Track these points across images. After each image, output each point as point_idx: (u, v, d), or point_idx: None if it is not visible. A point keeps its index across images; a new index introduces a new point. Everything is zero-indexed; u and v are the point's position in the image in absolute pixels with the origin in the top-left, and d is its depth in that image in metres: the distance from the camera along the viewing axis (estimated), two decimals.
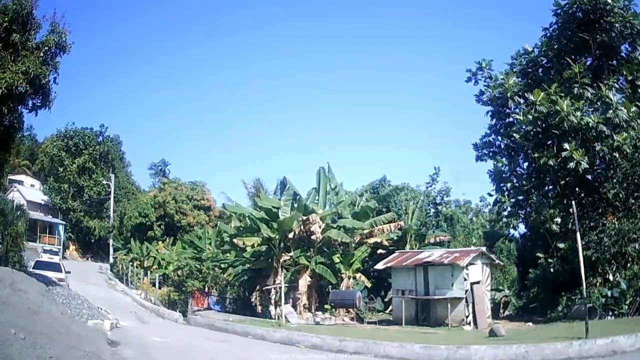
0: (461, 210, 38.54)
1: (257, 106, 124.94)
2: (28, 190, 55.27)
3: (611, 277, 17.05)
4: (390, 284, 23.64)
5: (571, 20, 20.14)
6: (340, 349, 12.40)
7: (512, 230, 25.84)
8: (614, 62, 20.17)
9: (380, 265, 22.74)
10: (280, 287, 21.82)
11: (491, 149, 22.15)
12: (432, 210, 35.65)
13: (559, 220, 18.69)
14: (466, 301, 19.17)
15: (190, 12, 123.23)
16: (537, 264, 21.49)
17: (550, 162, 18.17)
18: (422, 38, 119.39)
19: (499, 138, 22.02)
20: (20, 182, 55.23)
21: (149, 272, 34.85)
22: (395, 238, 28.54)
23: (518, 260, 28.71)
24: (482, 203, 40.27)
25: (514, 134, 19.78)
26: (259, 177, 40.00)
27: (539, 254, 20.84)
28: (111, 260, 47.04)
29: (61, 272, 22.02)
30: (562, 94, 18.24)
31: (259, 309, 26.53)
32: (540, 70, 21.76)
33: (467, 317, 19.12)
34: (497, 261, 23.34)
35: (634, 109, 17.96)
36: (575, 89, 18.66)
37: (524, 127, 19.30)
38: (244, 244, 24.60)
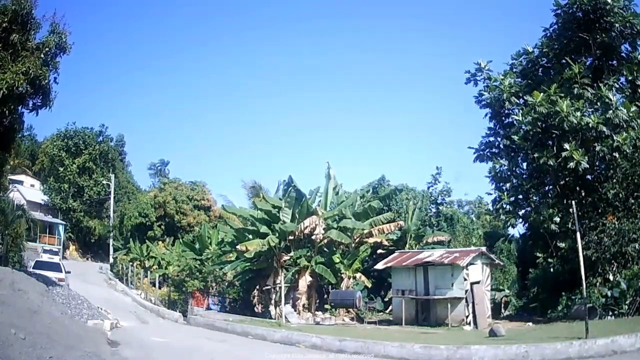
0: (463, 211, 38.52)
1: (257, 106, 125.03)
2: (28, 190, 55.22)
3: (611, 277, 17.03)
4: (390, 284, 23.64)
5: (571, 20, 20.10)
6: (340, 349, 12.39)
7: (511, 229, 25.84)
8: (614, 62, 20.14)
9: (380, 265, 22.74)
10: (280, 287, 21.83)
11: (490, 150, 22.13)
12: (433, 210, 35.61)
13: (557, 219, 18.69)
14: (466, 301, 19.17)
15: (190, 12, 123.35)
16: (537, 264, 21.48)
17: (550, 162, 18.15)
18: (422, 38, 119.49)
19: (498, 139, 22.01)
20: (20, 182, 55.16)
21: (149, 272, 34.83)
22: (395, 238, 28.54)
23: (518, 260, 28.67)
24: (480, 206, 40.30)
25: (513, 136, 19.77)
26: (261, 179, 39.93)
27: (538, 254, 20.83)
28: (111, 260, 47.05)
29: (61, 272, 21.98)
30: (562, 95, 18.22)
31: (259, 309, 26.52)
32: (540, 70, 21.72)
33: (467, 317, 19.11)
34: (497, 261, 23.33)
35: (633, 109, 17.92)
36: (575, 89, 18.63)
37: (523, 127, 19.29)
38: (246, 249, 24.58)
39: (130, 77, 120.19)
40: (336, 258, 25.44)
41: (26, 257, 24.60)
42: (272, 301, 24.85)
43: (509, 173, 20.75)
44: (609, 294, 15.93)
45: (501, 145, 21.70)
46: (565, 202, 18.24)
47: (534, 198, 20.58)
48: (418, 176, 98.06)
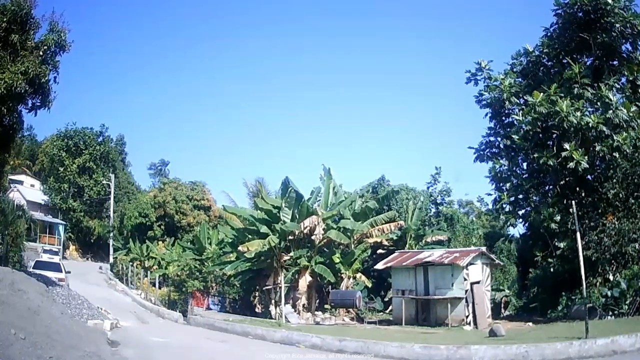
0: (463, 210, 38.51)
1: (257, 106, 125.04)
2: (28, 190, 55.26)
3: (611, 277, 17.01)
4: (390, 284, 23.64)
5: (572, 20, 20.08)
6: (340, 349, 12.40)
7: (511, 229, 25.85)
8: (615, 62, 20.11)
9: (380, 265, 22.73)
10: (280, 287, 21.82)
11: (490, 150, 22.12)
12: (433, 210, 35.62)
13: (557, 219, 18.68)
14: (466, 301, 19.17)
15: (190, 12, 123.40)
16: (537, 264, 21.47)
17: (550, 162, 18.13)
18: (422, 38, 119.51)
19: (498, 139, 22.00)
20: (20, 182, 55.22)
21: (149, 272, 34.83)
22: (395, 238, 28.53)
23: (518, 260, 28.72)
24: (480, 204, 40.23)
25: (513, 136, 19.76)
26: (262, 177, 39.82)
27: (538, 254, 20.82)
28: (111, 260, 47.08)
29: (61, 272, 21.97)
30: (562, 95, 18.20)
31: (259, 309, 26.53)
32: (540, 70, 21.68)
33: (467, 317, 19.11)
34: (497, 261, 23.33)
35: (634, 109, 17.89)
36: (575, 89, 18.61)
37: (523, 127, 19.27)
38: (247, 249, 24.54)
39: (130, 77, 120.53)
40: (336, 258, 25.41)
41: (26, 257, 24.57)
42: (272, 301, 24.84)
43: (509, 173, 20.72)
44: (609, 294, 15.90)
45: (501, 145, 21.65)
46: (565, 202, 18.22)
47: (534, 198, 20.57)
48: (418, 176, 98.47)
